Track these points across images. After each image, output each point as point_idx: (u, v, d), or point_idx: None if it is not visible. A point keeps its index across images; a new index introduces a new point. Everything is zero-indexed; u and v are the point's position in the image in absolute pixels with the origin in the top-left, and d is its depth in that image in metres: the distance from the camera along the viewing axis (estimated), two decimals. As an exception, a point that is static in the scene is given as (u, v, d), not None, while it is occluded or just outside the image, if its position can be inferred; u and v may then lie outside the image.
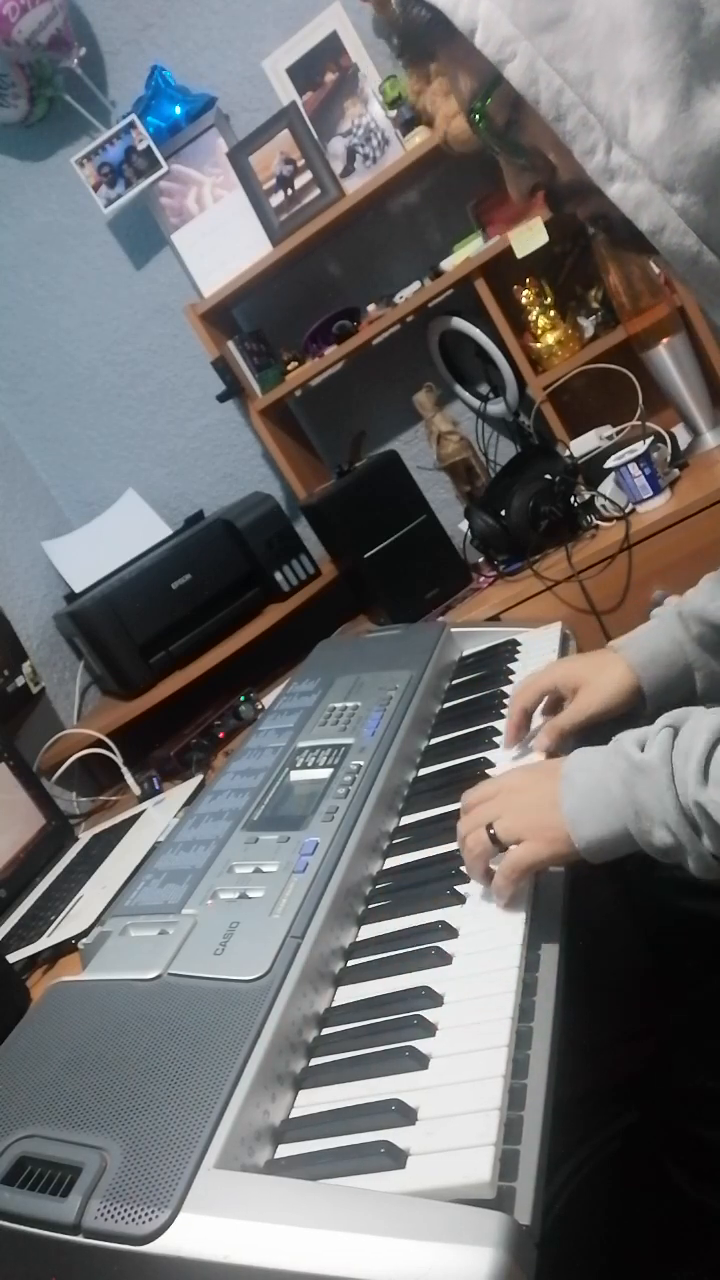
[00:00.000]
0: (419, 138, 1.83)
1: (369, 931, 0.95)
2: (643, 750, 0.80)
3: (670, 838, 0.76)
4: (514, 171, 0.77)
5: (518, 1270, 0.56)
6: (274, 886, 0.93)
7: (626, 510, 1.67)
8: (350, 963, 0.91)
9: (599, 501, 1.73)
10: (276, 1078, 0.75)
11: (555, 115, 0.67)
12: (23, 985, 1.19)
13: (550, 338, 1.87)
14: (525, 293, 1.87)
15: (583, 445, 1.85)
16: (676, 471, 1.74)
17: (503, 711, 1.27)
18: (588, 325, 1.87)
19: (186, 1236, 0.62)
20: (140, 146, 1.96)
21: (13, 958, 1.27)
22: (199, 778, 1.61)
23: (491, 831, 0.87)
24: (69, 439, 2.33)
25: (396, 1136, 0.67)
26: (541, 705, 1.12)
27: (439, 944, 0.86)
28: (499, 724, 1.23)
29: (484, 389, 2.07)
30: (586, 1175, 1.14)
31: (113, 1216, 0.63)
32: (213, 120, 1.98)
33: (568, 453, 1.84)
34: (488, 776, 1.12)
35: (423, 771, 1.22)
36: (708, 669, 1.01)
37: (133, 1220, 0.62)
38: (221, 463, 2.29)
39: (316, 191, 1.90)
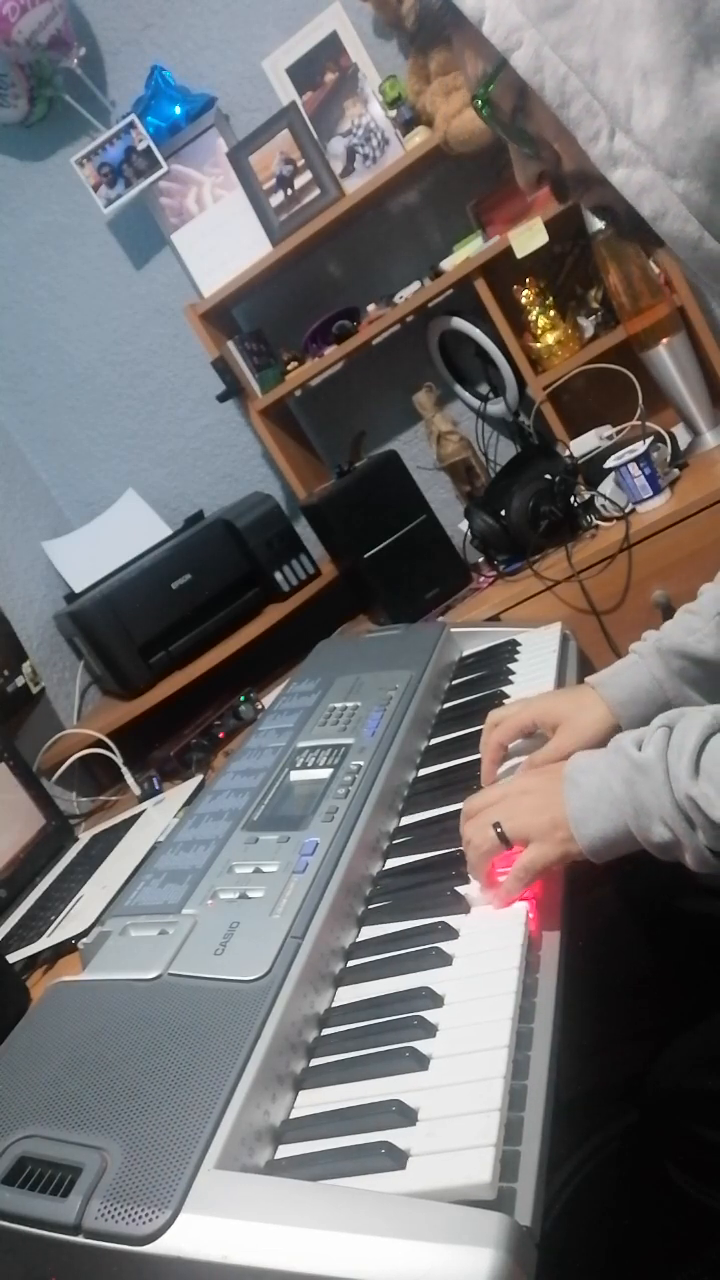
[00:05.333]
0: (419, 138, 1.83)
1: (369, 932, 0.95)
2: (640, 749, 0.81)
3: (668, 833, 0.78)
4: (520, 159, 0.77)
5: (518, 1271, 0.56)
6: (274, 887, 0.93)
7: (626, 510, 1.67)
8: (350, 963, 0.91)
9: (599, 501, 1.73)
10: (277, 1078, 0.75)
11: (560, 102, 0.67)
12: (23, 985, 1.19)
13: (550, 338, 1.87)
14: (525, 293, 1.87)
15: (583, 445, 1.85)
16: (676, 471, 1.74)
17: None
18: (588, 325, 1.87)
19: (187, 1237, 0.62)
20: (140, 146, 1.96)
21: (13, 958, 1.26)
22: (199, 778, 1.61)
23: (499, 830, 0.88)
24: (69, 439, 2.33)
25: (397, 1137, 0.67)
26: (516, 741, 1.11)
27: (439, 945, 0.86)
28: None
29: (484, 389, 2.07)
30: (587, 1176, 1.14)
31: (113, 1217, 0.63)
32: (213, 120, 1.98)
33: (568, 453, 1.84)
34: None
35: (423, 772, 1.22)
36: (687, 704, 1.01)
37: (133, 1220, 0.62)
38: (221, 463, 2.29)
39: (316, 191, 1.90)
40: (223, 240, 1.97)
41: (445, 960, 0.84)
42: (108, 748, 1.77)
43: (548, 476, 1.71)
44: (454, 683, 1.44)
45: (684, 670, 1.01)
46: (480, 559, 1.82)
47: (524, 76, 0.67)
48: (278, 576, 1.90)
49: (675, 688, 1.02)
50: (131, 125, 1.95)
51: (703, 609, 1.02)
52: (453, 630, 1.53)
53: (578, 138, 0.68)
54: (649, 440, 1.68)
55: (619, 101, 0.65)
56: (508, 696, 1.30)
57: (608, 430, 1.86)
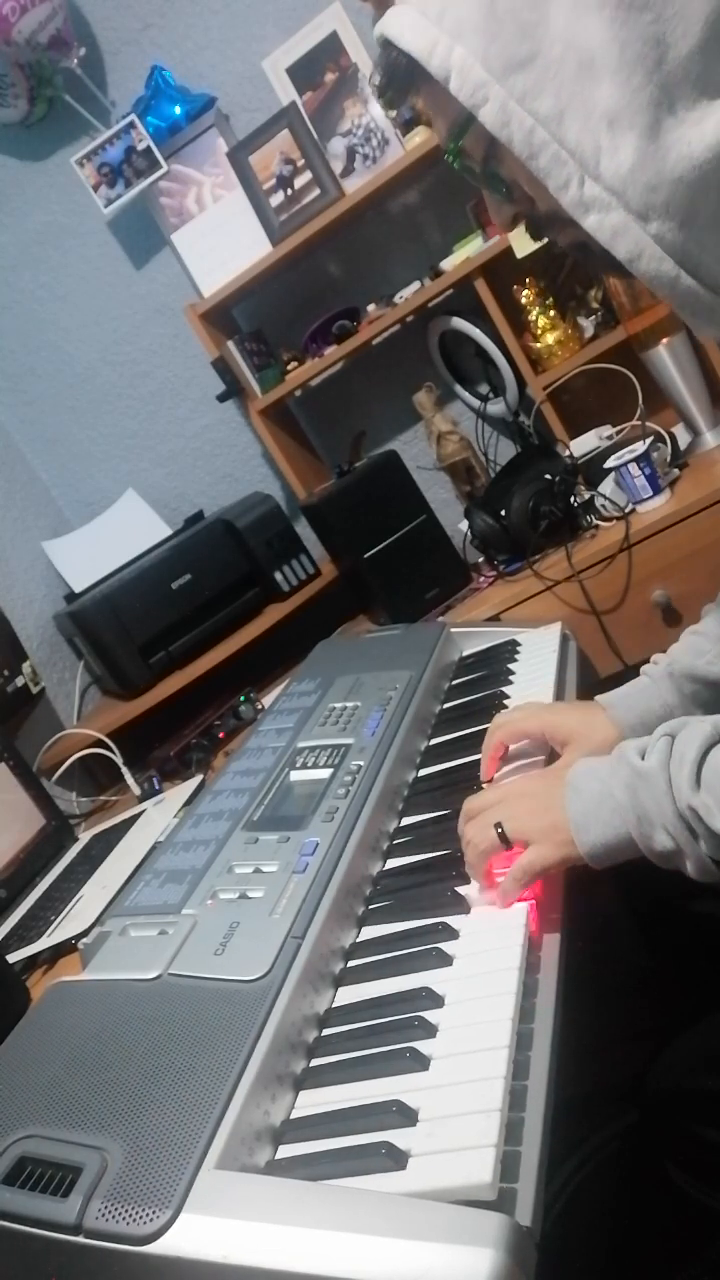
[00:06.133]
0: (419, 138, 1.83)
1: (369, 932, 0.95)
2: (643, 758, 0.82)
3: (670, 841, 0.78)
4: (495, 202, 0.79)
5: (518, 1271, 0.56)
6: (274, 887, 0.93)
7: (626, 510, 1.67)
8: (351, 963, 0.91)
9: (599, 501, 1.73)
10: (277, 1078, 0.75)
11: (529, 154, 0.68)
12: (23, 985, 1.19)
13: (550, 338, 1.87)
14: (525, 293, 1.87)
15: (583, 445, 1.85)
16: (676, 471, 1.74)
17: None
18: (588, 325, 1.87)
19: (187, 1237, 0.62)
20: (140, 146, 1.96)
21: (13, 958, 1.26)
22: (199, 778, 1.61)
23: (500, 830, 0.88)
24: (69, 439, 2.32)
25: (397, 1137, 0.67)
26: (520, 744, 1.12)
27: (440, 945, 0.86)
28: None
29: (484, 389, 2.07)
30: (587, 1176, 1.14)
31: (113, 1217, 0.63)
32: (213, 120, 1.98)
33: (568, 453, 1.84)
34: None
35: (423, 772, 1.22)
36: None
37: (133, 1220, 0.62)
38: (221, 463, 2.29)
39: (316, 191, 1.90)
40: (223, 240, 1.97)
41: (445, 960, 0.84)
42: (108, 748, 1.77)
43: (548, 476, 1.71)
44: (454, 683, 1.44)
45: (696, 694, 1.02)
46: (480, 559, 1.82)
47: (492, 131, 0.69)
48: (278, 576, 1.90)
49: (686, 711, 1.02)
50: (131, 125, 1.95)
51: (708, 630, 1.03)
52: (453, 630, 1.53)
53: (548, 186, 0.69)
54: (649, 440, 1.68)
55: (586, 149, 0.67)
56: (508, 697, 1.30)
57: (608, 430, 1.86)
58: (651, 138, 0.65)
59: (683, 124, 0.65)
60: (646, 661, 1.08)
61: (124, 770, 1.74)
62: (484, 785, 1.10)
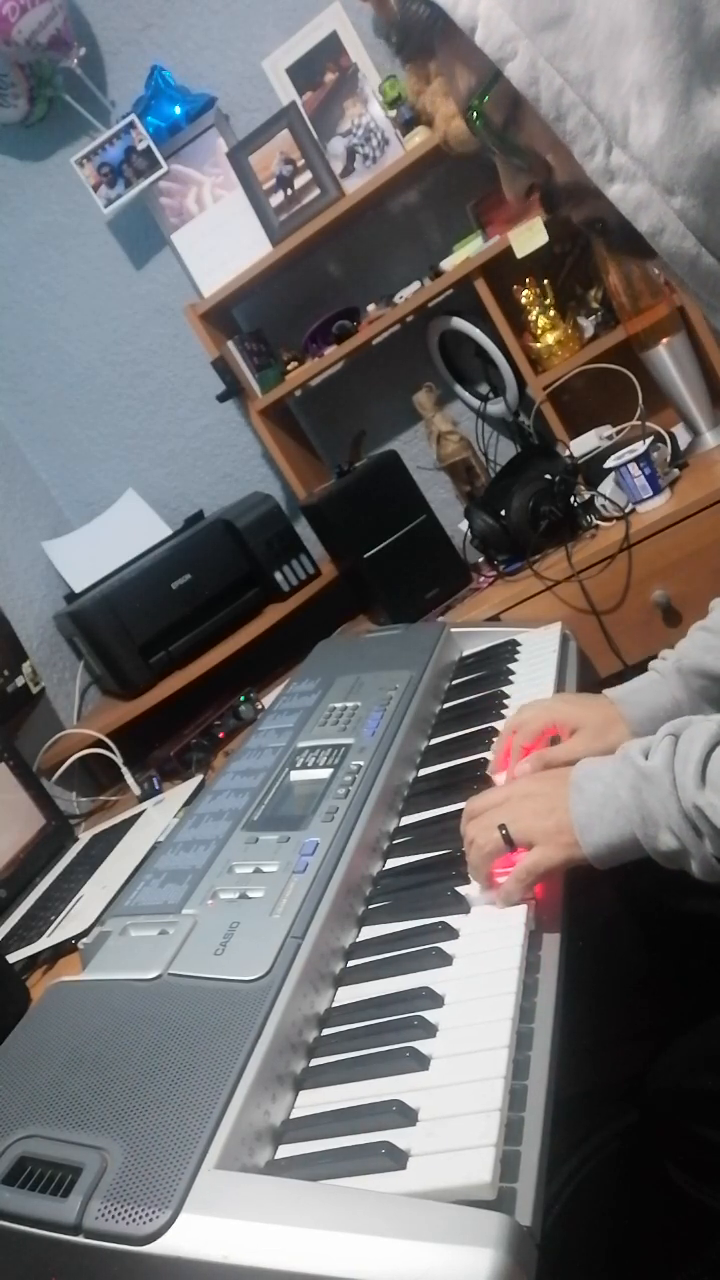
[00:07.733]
0: (419, 138, 1.83)
1: (369, 932, 0.95)
2: (647, 758, 0.81)
3: (675, 841, 0.78)
4: (510, 172, 0.77)
5: (518, 1271, 0.56)
6: (274, 887, 0.93)
7: (626, 510, 1.67)
8: (351, 963, 0.91)
9: (599, 501, 1.73)
10: (277, 1078, 0.75)
11: (555, 115, 0.66)
12: (23, 985, 1.19)
13: (550, 338, 1.87)
14: (525, 293, 1.87)
15: (583, 445, 1.85)
16: (676, 471, 1.74)
17: (504, 712, 1.27)
18: (588, 325, 1.87)
19: (187, 1237, 0.62)
20: (140, 146, 1.96)
21: (13, 958, 1.26)
22: (199, 778, 1.61)
23: (504, 832, 0.88)
24: (69, 439, 2.32)
25: (397, 1137, 0.67)
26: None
27: (440, 945, 0.86)
28: (499, 724, 1.24)
29: (484, 389, 2.07)
30: (587, 1176, 1.14)
31: (113, 1217, 0.63)
32: (212, 120, 1.98)
33: (568, 453, 1.84)
34: (488, 778, 1.12)
35: (423, 772, 1.22)
36: None
37: (133, 1220, 0.63)
38: (221, 463, 2.29)
39: (316, 191, 1.90)
40: (223, 240, 1.97)
41: (445, 960, 0.84)
42: (108, 748, 1.77)
43: (548, 476, 1.71)
44: (454, 683, 1.44)
45: (705, 689, 1.02)
46: (480, 559, 1.82)
47: (519, 88, 0.66)
48: (278, 576, 1.90)
49: (695, 707, 1.02)
50: (131, 125, 1.95)
51: (716, 626, 1.02)
52: (453, 630, 1.53)
53: (574, 151, 0.67)
54: (649, 440, 1.68)
55: (615, 116, 0.65)
56: (508, 697, 1.30)
57: (608, 430, 1.86)
58: (682, 109, 0.63)
59: (715, 97, 0.63)
60: (649, 660, 1.08)
61: (124, 770, 1.74)
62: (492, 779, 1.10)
